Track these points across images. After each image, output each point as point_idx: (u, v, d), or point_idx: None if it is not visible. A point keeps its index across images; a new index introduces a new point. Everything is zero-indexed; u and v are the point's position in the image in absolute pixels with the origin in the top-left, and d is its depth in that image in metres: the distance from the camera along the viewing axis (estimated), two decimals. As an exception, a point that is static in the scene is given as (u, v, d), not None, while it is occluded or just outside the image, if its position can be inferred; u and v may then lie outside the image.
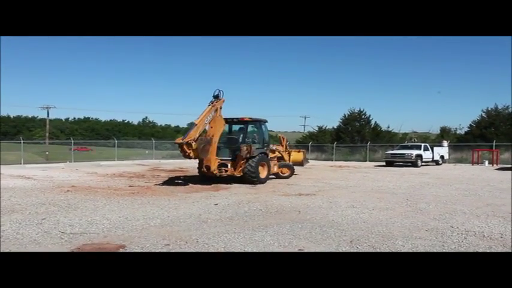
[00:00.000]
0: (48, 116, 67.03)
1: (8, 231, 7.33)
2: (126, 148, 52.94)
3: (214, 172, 15.71)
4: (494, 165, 31.68)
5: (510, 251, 6.23)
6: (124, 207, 10.24)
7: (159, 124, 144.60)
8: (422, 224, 8.14)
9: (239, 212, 9.51)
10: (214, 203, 10.93)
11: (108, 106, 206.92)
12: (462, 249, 6.27)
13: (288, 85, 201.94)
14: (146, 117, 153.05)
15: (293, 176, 19.22)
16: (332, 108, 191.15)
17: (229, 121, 17.34)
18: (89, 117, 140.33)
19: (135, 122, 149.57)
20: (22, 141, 34.02)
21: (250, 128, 17.72)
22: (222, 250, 6.19)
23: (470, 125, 47.80)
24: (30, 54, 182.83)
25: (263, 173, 16.64)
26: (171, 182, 17.11)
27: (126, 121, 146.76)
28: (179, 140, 15.23)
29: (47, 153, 43.80)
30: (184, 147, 14.75)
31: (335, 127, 55.50)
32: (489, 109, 46.76)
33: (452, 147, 38.13)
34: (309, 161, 26.15)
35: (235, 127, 17.98)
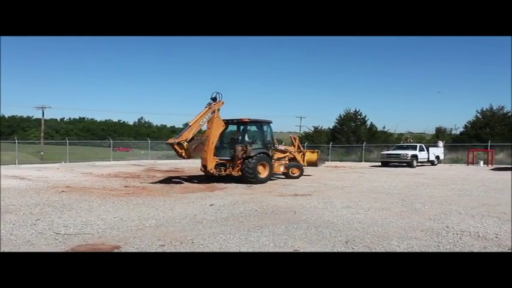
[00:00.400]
0: (43, 116, 66.91)
1: (2, 232, 7.28)
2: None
3: (211, 171, 16.21)
4: (489, 165, 31.80)
5: (505, 251, 6.25)
6: (119, 207, 10.20)
7: (154, 124, 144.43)
8: (418, 224, 8.15)
9: (234, 213, 9.49)
10: (209, 203, 10.90)
11: (103, 106, 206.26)
12: (457, 249, 6.28)
13: (283, 85, 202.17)
14: (142, 118, 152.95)
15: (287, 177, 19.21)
16: (328, 109, 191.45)
17: (230, 122, 17.67)
18: (84, 117, 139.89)
19: (131, 122, 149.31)
20: (17, 141, 33.87)
21: (250, 128, 18.01)
22: (217, 251, 6.18)
23: (465, 125, 48.00)
24: (26, 54, 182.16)
25: (263, 173, 16.87)
26: (167, 182, 17.07)
27: (121, 121, 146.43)
28: (171, 141, 15.94)
29: (42, 153, 43.62)
30: (176, 147, 15.43)
31: (331, 127, 55.66)
32: (484, 110, 46.95)
33: (448, 148, 38.27)
34: (325, 162, 26.27)
35: (239, 128, 18.23)
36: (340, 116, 53.46)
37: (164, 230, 7.64)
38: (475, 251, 6.23)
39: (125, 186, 15.29)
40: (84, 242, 6.67)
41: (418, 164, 30.62)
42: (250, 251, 6.17)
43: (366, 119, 52.89)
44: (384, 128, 54.26)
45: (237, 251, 6.18)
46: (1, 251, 6.05)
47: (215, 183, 16.26)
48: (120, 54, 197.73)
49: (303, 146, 25.00)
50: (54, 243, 6.59)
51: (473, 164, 33.13)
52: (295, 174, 19.11)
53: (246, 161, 16.28)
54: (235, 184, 16.07)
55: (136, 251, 6.14)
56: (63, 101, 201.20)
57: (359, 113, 53.01)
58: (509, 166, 29.43)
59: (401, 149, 31.96)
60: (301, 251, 6.17)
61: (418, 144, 33.33)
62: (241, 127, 17.99)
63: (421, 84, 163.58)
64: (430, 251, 6.20)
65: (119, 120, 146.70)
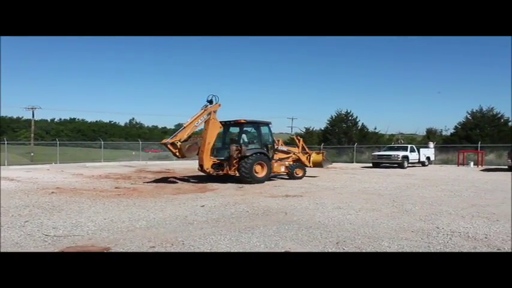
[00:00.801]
0: (33, 116, 66.18)
1: (-10, 233, 7.20)
2: (112, 149, 52.52)
3: (208, 171, 16.90)
4: (479, 166, 32.05)
5: (494, 251, 6.28)
6: (109, 209, 10.14)
7: (146, 125, 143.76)
8: (408, 225, 8.18)
9: (226, 214, 9.47)
10: (200, 204, 10.87)
11: (94, 107, 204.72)
12: (447, 250, 6.30)
13: (275, 86, 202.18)
14: (133, 118, 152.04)
15: (276, 178, 19.31)
16: (319, 110, 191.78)
17: (228, 123, 18.26)
18: (75, 118, 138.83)
19: (122, 123, 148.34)
20: (6, 142, 33.56)
21: (247, 129, 18.38)
22: (208, 251, 6.15)
23: (455, 126, 48.29)
24: (16, 54, 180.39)
25: (261, 172, 17.31)
26: (158, 183, 17.02)
27: (112, 122, 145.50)
28: (165, 141, 16.62)
29: (32, 154, 43.19)
30: (169, 146, 16.10)
31: (322, 128, 55.79)
32: (474, 111, 47.29)
33: (438, 149, 38.51)
34: (332, 163, 26.82)
35: (237, 129, 18.65)
36: (332, 117, 53.64)
37: (155, 231, 7.60)
38: (464, 251, 6.26)
39: (116, 188, 15.21)
40: (73, 244, 6.61)
41: (409, 165, 30.81)
42: (241, 251, 6.15)
43: (357, 120, 53.15)
44: (375, 129, 54.77)
45: (228, 251, 6.16)
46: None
47: (206, 184, 16.29)
48: (111, 54, 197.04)
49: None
50: (43, 245, 6.52)
51: (463, 164, 33.38)
52: (299, 175, 19.41)
53: (242, 160, 16.67)
54: (227, 185, 16.10)
55: (126, 252, 6.09)
56: (53, 102, 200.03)
57: (350, 114, 53.25)
58: (499, 167, 29.69)
59: (393, 150, 32.14)
60: (292, 251, 6.16)
61: (409, 145, 33.53)
62: (239, 128, 18.30)
63: (413, 86, 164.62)
64: (421, 251, 6.22)
65: (110, 121, 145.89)
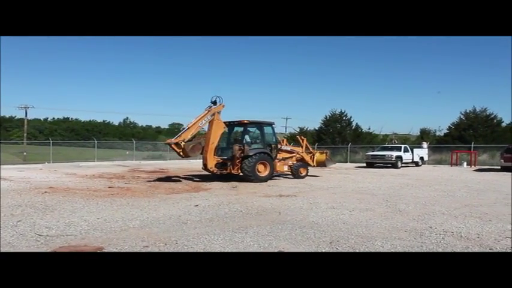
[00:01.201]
0: (26, 116, 65.92)
1: (-18, 233, 7.15)
2: (106, 149, 52.32)
3: (212, 170, 17.46)
4: (473, 166, 32.23)
5: (486, 251, 6.32)
6: (103, 208, 10.10)
7: (140, 125, 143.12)
8: (402, 225, 8.21)
9: (219, 213, 9.47)
10: (194, 204, 10.85)
11: (88, 106, 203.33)
12: (440, 250, 6.34)
13: (269, 86, 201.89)
14: (127, 118, 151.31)
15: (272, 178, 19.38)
16: (313, 110, 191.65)
17: (232, 124, 18.81)
18: (68, 118, 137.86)
19: (116, 123, 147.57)
20: (-1, 141, 33.36)
21: (251, 129, 19.02)
22: (202, 251, 6.14)
23: (449, 126, 48.48)
24: (8, 52, 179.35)
25: (264, 172, 17.77)
26: (151, 182, 16.99)
27: (106, 121, 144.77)
28: (169, 140, 17.10)
29: (25, 153, 42.94)
30: (173, 146, 16.50)
31: (316, 128, 55.84)
32: (468, 111, 47.52)
33: (432, 149, 38.68)
34: (335, 162, 27.53)
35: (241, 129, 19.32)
36: (326, 117, 53.67)
37: (148, 231, 7.59)
38: (457, 251, 6.29)
39: (109, 187, 15.16)
40: (66, 244, 6.58)
41: (403, 165, 30.92)
42: (234, 251, 6.15)
43: (352, 120, 53.17)
44: (369, 129, 54.77)
45: (222, 251, 6.15)
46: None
47: (200, 184, 16.31)
48: (105, 54, 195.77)
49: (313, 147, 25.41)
50: (36, 245, 6.49)
51: (456, 165, 33.54)
52: (302, 174, 19.87)
53: (245, 160, 17.14)
54: (221, 184, 16.12)
55: (119, 251, 6.08)
56: (47, 101, 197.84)
57: (344, 114, 53.28)
58: (492, 167, 29.87)
59: (386, 150, 32.24)
60: (285, 251, 6.17)
61: (403, 146, 33.65)
62: (242, 128, 18.92)
63: (407, 86, 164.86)
64: (414, 251, 6.25)
65: (103, 121, 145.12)
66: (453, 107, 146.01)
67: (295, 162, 20.49)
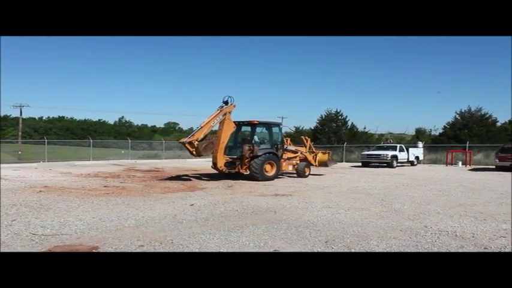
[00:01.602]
0: (21, 114, 65.43)
1: (-24, 232, 7.11)
2: (101, 148, 52.17)
3: (221, 168, 17.77)
4: (467, 166, 32.36)
5: (481, 250, 6.35)
6: (98, 207, 10.07)
7: (135, 124, 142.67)
8: (397, 224, 8.23)
9: (215, 213, 9.46)
10: (190, 203, 10.84)
11: (83, 105, 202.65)
12: (435, 249, 6.36)
13: (265, 86, 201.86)
14: (122, 117, 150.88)
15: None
16: (309, 109, 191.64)
17: (242, 124, 19.11)
18: (63, 117, 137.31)
19: (111, 122, 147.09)
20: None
21: (259, 130, 19.36)
22: (197, 251, 6.14)
23: (444, 126, 48.72)
24: (2, 51, 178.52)
25: (271, 171, 18.22)
26: (147, 182, 16.95)
27: (101, 120, 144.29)
28: (183, 140, 17.51)
29: (20, 152, 42.80)
30: (187, 145, 16.83)
31: (312, 128, 55.92)
32: (463, 111, 47.72)
33: (427, 148, 38.81)
34: (337, 162, 28.13)
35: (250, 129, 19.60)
36: (322, 117, 53.80)
37: (143, 230, 7.57)
38: (452, 250, 6.32)
39: (105, 186, 15.11)
40: (61, 243, 6.56)
41: (398, 164, 31.00)
42: (230, 251, 6.15)
43: (347, 119, 53.33)
44: (365, 128, 54.87)
45: (217, 251, 6.15)
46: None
47: (196, 183, 16.32)
48: (100, 53, 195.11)
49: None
50: (30, 244, 6.46)
51: (451, 164, 33.67)
52: (306, 174, 20.25)
53: (253, 160, 17.47)
54: (216, 183, 16.12)
55: (114, 251, 6.06)
56: (42, 100, 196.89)
57: (340, 113, 53.41)
58: (487, 167, 30.00)
59: (382, 150, 32.29)
60: (281, 251, 6.17)
61: (398, 145, 33.73)
62: (251, 128, 19.24)
63: (402, 86, 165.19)
64: (409, 250, 6.27)
65: (99, 120, 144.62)
66: (448, 107, 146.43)
67: (298, 161, 20.89)
